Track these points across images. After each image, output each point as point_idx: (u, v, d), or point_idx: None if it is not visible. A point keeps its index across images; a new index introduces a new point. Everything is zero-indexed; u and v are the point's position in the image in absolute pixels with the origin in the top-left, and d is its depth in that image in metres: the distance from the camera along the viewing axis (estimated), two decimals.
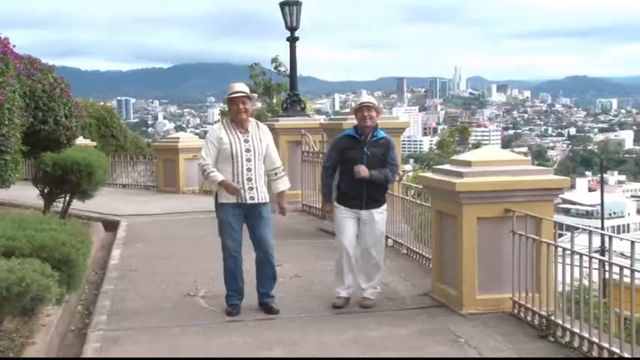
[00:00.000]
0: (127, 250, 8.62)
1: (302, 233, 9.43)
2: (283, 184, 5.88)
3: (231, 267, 5.77)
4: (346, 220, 5.88)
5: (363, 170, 5.71)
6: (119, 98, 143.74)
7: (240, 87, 5.78)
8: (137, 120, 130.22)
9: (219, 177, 5.63)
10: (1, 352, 4.54)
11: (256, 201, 5.69)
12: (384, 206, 5.97)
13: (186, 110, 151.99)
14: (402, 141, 11.53)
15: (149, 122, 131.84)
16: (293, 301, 6.07)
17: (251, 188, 5.66)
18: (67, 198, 9.53)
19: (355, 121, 6.04)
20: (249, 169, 5.63)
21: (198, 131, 78.18)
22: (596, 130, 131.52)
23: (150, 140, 34.60)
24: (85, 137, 17.06)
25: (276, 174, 5.84)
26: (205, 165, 5.70)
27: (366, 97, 6.02)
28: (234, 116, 5.70)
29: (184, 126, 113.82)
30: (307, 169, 10.86)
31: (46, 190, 9.32)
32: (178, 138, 16.23)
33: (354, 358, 4.72)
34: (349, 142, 5.91)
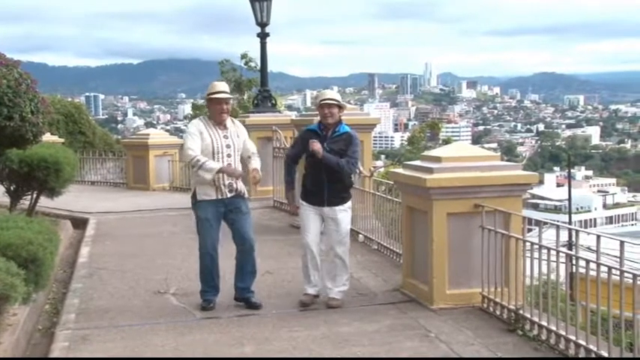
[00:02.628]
0: (96, 248, 8.51)
1: (274, 229, 9.42)
2: (256, 162, 5.87)
3: (208, 265, 5.77)
4: (310, 217, 5.85)
5: (317, 147, 5.65)
6: (88, 94, 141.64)
7: (223, 87, 5.82)
8: (106, 116, 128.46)
9: (216, 164, 5.57)
10: None
11: (235, 193, 5.72)
12: (348, 203, 5.90)
13: (156, 106, 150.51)
14: (374, 137, 11.55)
15: (118, 118, 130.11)
16: (264, 297, 6.05)
17: (231, 183, 5.70)
18: (35, 195, 9.38)
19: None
20: (229, 165, 5.66)
21: (168, 127, 77.51)
22: (563, 126, 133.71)
23: (119, 137, 34.20)
24: (52, 134, 16.77)
25: (250, 157, 5.87)
26: (196, 157, 5.56)
27: (328, 94, 5.96)
28: (216, 116, 5.72)
29: (154, 122, 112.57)
30: (278, 165, 10.82)
31: (12, 188, 9.16)
32: (148, 134, 16.08)
33: (328, 358, 4.71)
34: (312, 137, 5.89)
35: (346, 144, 5.79)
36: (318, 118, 5.97)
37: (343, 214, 5.83)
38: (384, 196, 7.97)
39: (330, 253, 5.89)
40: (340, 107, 5.86)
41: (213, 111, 5.72)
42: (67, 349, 4.89)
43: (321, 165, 5.73)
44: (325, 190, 5.76)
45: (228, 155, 5.68)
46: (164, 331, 5.23)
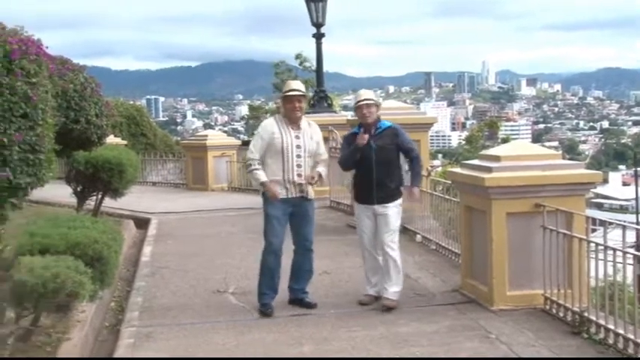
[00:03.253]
0: (158, 248, 8.72)
1: (330, 229, 9.44)
2: (323, 169, 5.87)
3: (271, 264, 5.77)
4: (363, 218, 5.89)
5: (416, 193, 5.92)
6: (148, 97, 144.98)
7: (297, 85, 5.88)
8: (166, 118, 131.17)
9: (263, 177, 5.67)
10: (38, 347, 4.63)
11: (305, 195, 5.75)
12: (399, 201, 5.87)
13: (214, 108, 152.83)
14: (431, 136, 11.45)
15: (178, 120, 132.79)
16: (322, 297, 6.08)
17: (300, 184, 5.71)
18: (99, 196, 9.68)
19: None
20: (299, 165, 5.69)
21: (226, 129, 78.64)
22: (629, 122, 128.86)
23: (179, 138, 34.91)
24: (115, 136, 17.27)
25: (318, 163, 5.87)
26: (251, 160, 5.72)
27: (363, 94, 5.95)
28: (289, 113, 5.76)
29: (212, 124, 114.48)
30: (335, 165, 10.84)
31: (78, 189, 9.48)
32: (207, 136, 16.36)
33: (387, 358, 4.68)
34: (356, 140, 5.91)
35: (393, 138, 5.81)
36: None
37: (393, 210, 5.82)
38: (441, 195, 7.88)
39: (380, 250, 5.87)
40: (377, 106, 5.91)
41: (287, 109, 5.76)
42: (132, 345, 5.04)
43: (371, 165, 5.75)
44: (375, 189, 5.76)
45: (298, 156, 5.69)
46: (224, 330, 5.32)
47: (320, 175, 5.83)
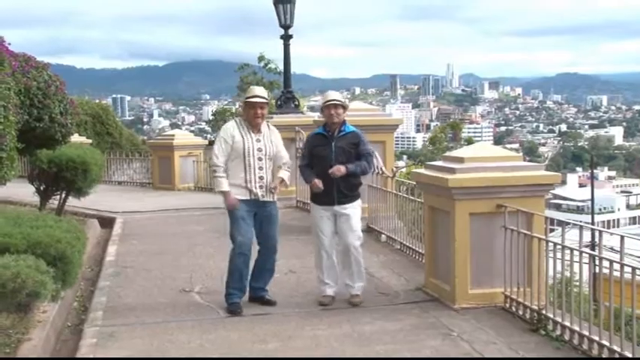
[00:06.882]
0: (123, 247, 8.65)
1: (296, 229, 9.47)
2: (285, 174, 5.95)
3: (239, 265, 5.77)
4: (321, 219, 5.92)
5: (336, 170, 5.73)
6: (114, 96, 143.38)
7: (260, 91, 5.90)
8: (132, 117, 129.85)
9: (224, 186, 5.69)
10: None
11: (268, 199, 5.79)
12: (358, 201, 5.96)
13: (181, 107, 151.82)
14: (396, 137, 11.57)
15: (144, 120, 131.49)
16: (288, 296, 6.12)
17: (262, 187, 5.75)
18: (63, 195, 9.55)
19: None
20: (260, 168, 5.73)
21: (193, 128, 78.10)
22: (586, 126, 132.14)
23: (145, 137, 34.55)
24: (80, 135, 17.07)
25: (280, 167, 5.94)
26: (216, 167, 5.75)
27: (331, 95, 6.02)
28: (250, 119, 5.79)
29: (179, 123, 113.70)
30: None
31: (41, 188, 9.34)
32: (173, 135, 16.27)
33: (350, 358, 4.73)
34: (318, 140, 5.98)
35: (354, 142, 5.87)
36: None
37: (353, 210, 5.89)
38: (406, 196, 7.99)
39: (345, 251, 5.92)
40: (344, 107, 5.97)
41: (249, 115, 5.79)
42: (95, 345, 4.99)
43: (329, 166, 5.78)
44: (334, 190, 5.82)
45: (259, 159, 5.74)
46: (189, 329, 5.32)
47: (283, 180, 5.90)
